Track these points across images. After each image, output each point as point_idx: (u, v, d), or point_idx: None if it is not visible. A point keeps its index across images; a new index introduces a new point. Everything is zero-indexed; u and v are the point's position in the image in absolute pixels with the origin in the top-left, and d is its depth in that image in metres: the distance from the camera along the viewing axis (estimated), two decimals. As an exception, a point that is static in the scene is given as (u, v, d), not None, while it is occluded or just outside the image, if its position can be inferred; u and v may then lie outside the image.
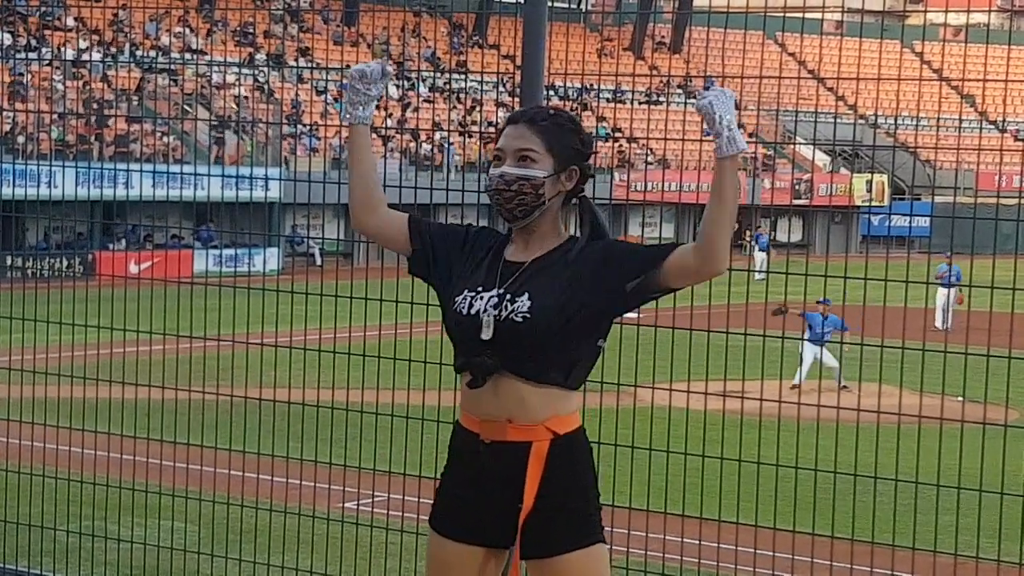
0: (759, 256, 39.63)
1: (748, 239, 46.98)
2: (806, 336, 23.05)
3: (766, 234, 46.63)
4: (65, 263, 37.57)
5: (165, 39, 44.71)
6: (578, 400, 4.52)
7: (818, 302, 22.09)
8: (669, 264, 4.38)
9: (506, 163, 4.47)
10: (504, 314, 4.40)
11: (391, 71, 4.78)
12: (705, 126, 4.39)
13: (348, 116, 4.76)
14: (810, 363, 23.35)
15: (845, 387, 22.58)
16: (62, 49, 42.49)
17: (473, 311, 4.45)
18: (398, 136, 44.52)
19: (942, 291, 29.90)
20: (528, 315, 4.38)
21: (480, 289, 4.47)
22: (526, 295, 4.41)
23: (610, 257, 4.44)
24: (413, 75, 49.60)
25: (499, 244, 4.58)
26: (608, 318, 4.48)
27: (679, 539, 7.01)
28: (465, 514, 4.52)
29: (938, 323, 29.39)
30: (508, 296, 4.42)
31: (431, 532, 4.61)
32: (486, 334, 4.41)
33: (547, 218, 4.51)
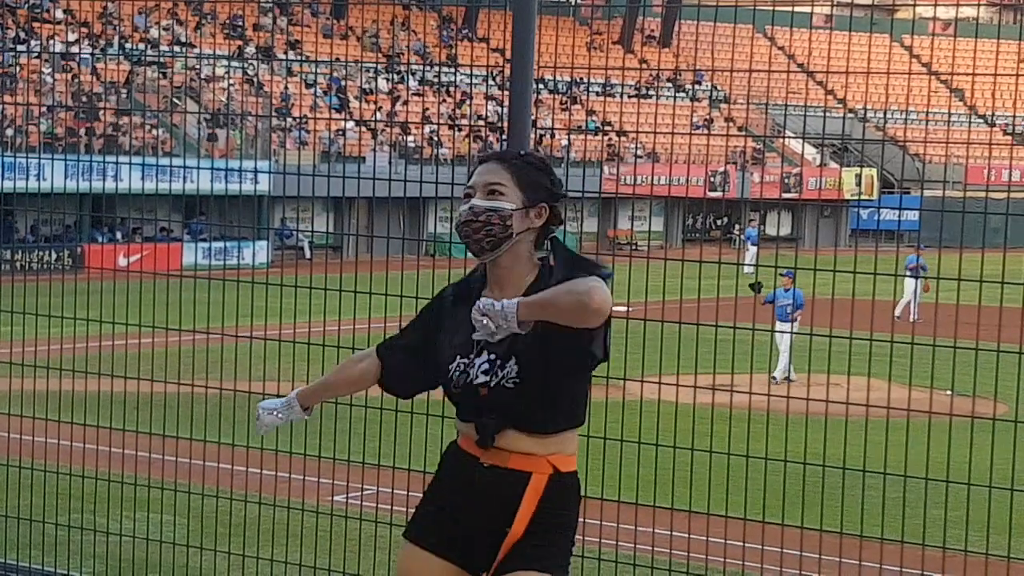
0: (752, 251, 39.65)
1: (738, 233, 47.00)
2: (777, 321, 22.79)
3: (755, 228, 46.62)
4: (54, 256, 37.52)
5: (154, 32, 44.65)
6: (576, 440, 4.56)
7: (782, 275, 21.84)
8: None
9: (476, 197, 4.51)
10: (495, 380, 4.45)
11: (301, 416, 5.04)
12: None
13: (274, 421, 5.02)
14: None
15: (790, 379, 22.51)
16: (51, 42, 42.42)
17: (468, 380, 4.49)
18: (388, 129, 44.47)
19: (909, 282, 30.05)
20: (518, 380, 4.42)
21: (471, 355, 4.51)
22: (513, 359, 4.44)
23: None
24: (402, 68, 49.55)
25: (476, 296, 4.52)
26: (595, 351, 4.45)
27: (668, 532, 7.02)
28: (450, 530, 4.56)
29: (897, 311, 29.42)
30: (498, 362, 4.45)
31: (405, 543, 4.65)
32: (482, 397, 4.48)
33: (518, 257, 4.51)
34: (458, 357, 4.53)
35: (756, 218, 49.90)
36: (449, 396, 4.60)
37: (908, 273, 29.29)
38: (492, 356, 4.47)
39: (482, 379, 4.46)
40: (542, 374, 4.41)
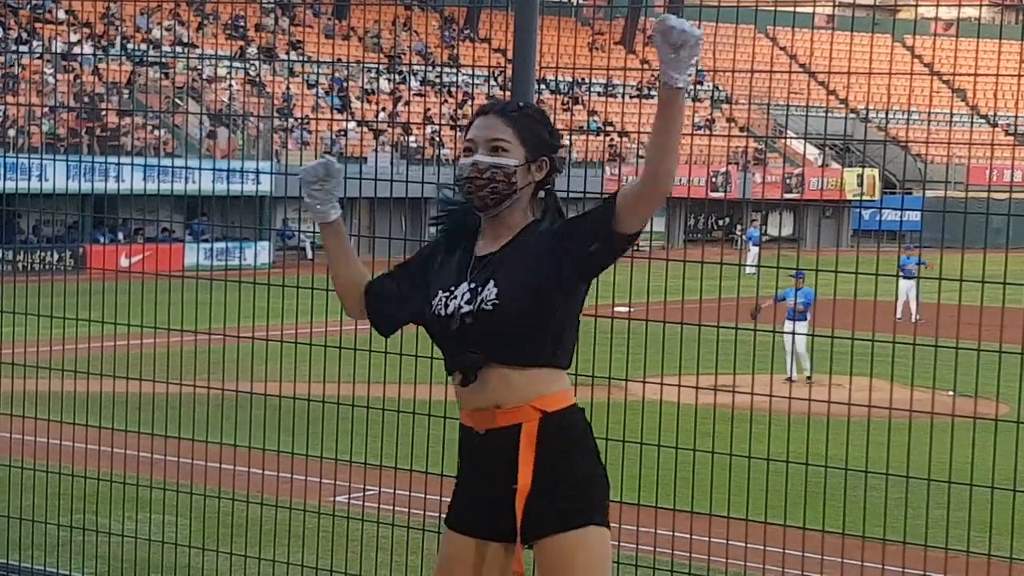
0: (753, 251, 39.66)
1: (740, 233, 46.96)
2: (785, 320, 22.85)
3: (757, 228, 46.60)
4: (56, 256, 37.52)
5: (156, 32, 44.65)
6: (565, 380, 4.54)
7: (792, 276, 21.94)
8: (620, 207, 4.37)
9: (478, 152, 4.52)
10: (476, 306, 4.46)
11: (338, 166, 4.85)
12: (664, 48, 4.31)
13: (315, 215, 4.87)
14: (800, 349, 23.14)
15: (791, 379, 22.67)
16: (53, 42, 42.42)
17: (450, 310, 4.52)
18: (389, 130, 44.47)
19: (903, 283, 30.32)
20: (497, 302, 4.44)
21: (452, 288, 4.55)
22: (491, 283, 4.47)
23: (570, 227, 4.48)
24: (404, 69, 49.55)
25: (467, 241, 4.64)
26: (580, 284, 4.51)
27: (670, 533, 7.01)
28: (471, 507, 4.58)
29: (899, 314, 29.81)
30: (478, 288, 4.49)
31: (445, 529, 4.68)
32: (464, 327, 4.48)
33: (517, 208, 4.56)
34: (440, 292, 4.57)
35: (758, 218, 49.88)
36: (435, 339, 4.62)
37: (902, 274, 29.48)
38: (472, 284, 4.50)
39: (464, 308, 4.48)
40: (520, 295, 4.43)
